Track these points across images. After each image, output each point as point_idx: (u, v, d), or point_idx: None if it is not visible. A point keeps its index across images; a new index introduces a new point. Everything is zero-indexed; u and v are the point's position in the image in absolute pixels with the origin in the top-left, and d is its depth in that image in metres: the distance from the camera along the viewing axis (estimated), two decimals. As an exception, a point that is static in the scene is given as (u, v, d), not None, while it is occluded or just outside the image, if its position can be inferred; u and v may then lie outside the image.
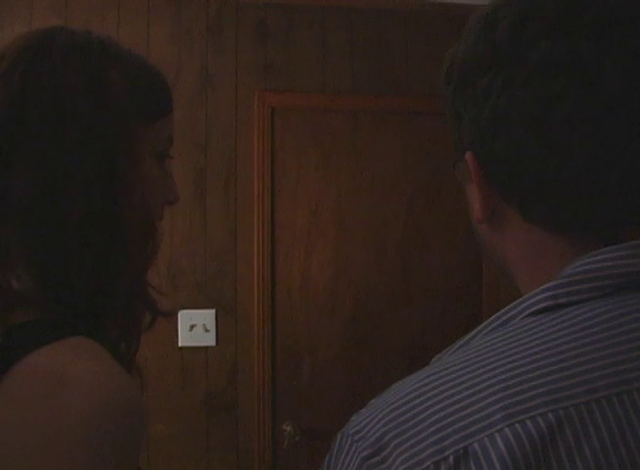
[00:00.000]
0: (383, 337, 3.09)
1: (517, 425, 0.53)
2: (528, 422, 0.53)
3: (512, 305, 0.65)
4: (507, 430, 0.53)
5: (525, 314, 0.63)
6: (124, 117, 0.86)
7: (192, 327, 2.92)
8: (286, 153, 3.01)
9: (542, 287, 0.63)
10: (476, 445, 0.54)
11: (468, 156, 0.69)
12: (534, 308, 0.63)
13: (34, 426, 0.70)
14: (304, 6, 3.03)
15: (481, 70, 0.66)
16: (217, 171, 2.96)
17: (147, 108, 0.90)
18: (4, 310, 0.79)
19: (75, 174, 0.82)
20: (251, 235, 2.97)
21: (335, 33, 3.06)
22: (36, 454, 0.70)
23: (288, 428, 2.97)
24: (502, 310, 0.65)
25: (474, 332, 0.67)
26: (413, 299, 3.12)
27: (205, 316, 2.93)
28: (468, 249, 3.12)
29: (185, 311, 2.91)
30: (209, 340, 2.94)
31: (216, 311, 2.95)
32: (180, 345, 2.91)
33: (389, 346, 3.09)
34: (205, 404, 2.94)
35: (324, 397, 3.03)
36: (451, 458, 0.54)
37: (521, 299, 0.65)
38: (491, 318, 0.66)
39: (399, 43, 3.11)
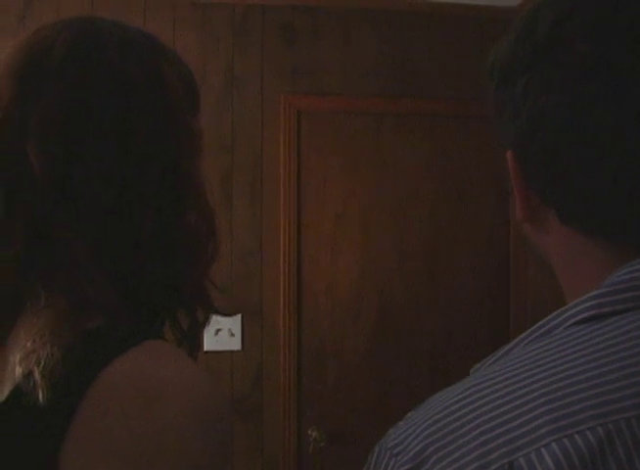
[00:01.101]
0: (408, 341, 3.06)
1: (564, 440, 0.51)
2: (577, 436, 0.51)
3: (554, 314, 0.63)
4: (554, 444, 0.51)
5: (568, 324, 0.61)
6: (183, 111, 0.84)
7: (217, 331, 2.91)
8: (312, 155, 3.00)
9: (586, 295, 0.61)
10: (521, 459, 0.51)
11: (508, 155, 0.68)
12: (579, 318, 0.61)
13: (131, 440, 0.68)
14: (330, 8, 3.01)
15: (521, 69, 0.66)
16: (243, 174, 2.95)
17: (193, 102, 0.88)
18: (78, 317, 0.76)
19: (147, 176, 0.79)
20: (276, 238, 2.96)
21: (360, 36, 3.04)
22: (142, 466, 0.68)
23: (313, 433, 2.95)
24: (544, 320, 0.63)
25: (514, 342, 0.64)
26: (438, 303, 3.09)
27: (231, 320, 2.92)
28: (494, 252, 3.09)
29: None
30: (235, 344, 2.93)
31: (242, 315, 2.94)
32: (206, 349, 2.91)
33: (415, 350, 3.06)
34: (230, 409, 2.92)
35: (350, 401, 3.02)
36: None
37: (564, 308, 0.63)
38: (533, 328, 0.64)
39: (425, 45, 3.09)
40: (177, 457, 0.69)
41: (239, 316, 2.93)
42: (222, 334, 2.91)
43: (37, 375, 0.70)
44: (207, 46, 2.94)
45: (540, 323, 0.63)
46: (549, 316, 0.63)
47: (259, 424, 2.95)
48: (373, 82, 3.06)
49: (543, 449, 0.51)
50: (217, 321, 2.90)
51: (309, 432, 2.96)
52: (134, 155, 0.78)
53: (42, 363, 0.70)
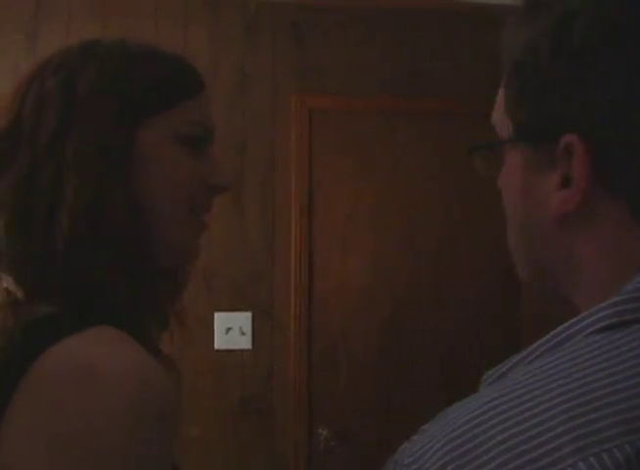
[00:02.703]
0: (419, 341, 3.05)
1: (591, 458, 0.49)
2: (604, 455, 0.49)
3: (572, 321, 0.60)
4: (581, 464, 0.49)
5: (586, 333, 0.59)
6: (96, 113, 0.85)
7: (228, 330, 2.91)
8: (323, 155, 2.99)
9: (606, 303, 0.58)
10: None
11: (574, 139, 0.62)
12: (597, 326, 0.58)
13: (63, 422, 0.69)
14: (341, 7, 3.00)
15: (603, 48, 0.61)
16: (254, 173, 2.94)
17: (152, 96, 0.88)
18: (20, 306, 0.79)
19: (73, 170, 0.82)
20: (287, 238, 2.95)
21: (371, 35, 3.03)
22: (66, 453, 0.69)
23: (323, 432, 2.95)
24: (559, 328, 0.61)
25: (529, 350, 0.62)
26: (450, 303, 3.07)
27: (242, 319, 2.92)
28: (506, 253, 3.06)
29: (221, 314, 2.90)
30: (245, 343, 2.92)
31: (252, 314, 2.93)
32: (216, 347, 2.90)
33: (427, 350, 3.05)
34: (240, 408, 2.92)
35: (360, 401, 3.00)
36: None
37: (582, 315, 0.60)
38: (549, 336, 0.61)
39: (435, 44, 3.07)
40: (107, 440, 0.69)
41: (249, 315, 2.93)
42: (233, 333, 2.91)
43: None
44: (219, 45, 2.94)
45: (557, 331, 0.61)
46: (564, 325, 0.60)
47: (270, 423, 2.95)
48: (385, 82, 3.04)
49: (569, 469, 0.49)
50: (228, 320, 2.90)
51: (320, 431, 2.95)
52: (47, 158, 0.83)
53: None
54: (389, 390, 3.02)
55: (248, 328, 2.92)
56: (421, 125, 3.06)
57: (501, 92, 0.71)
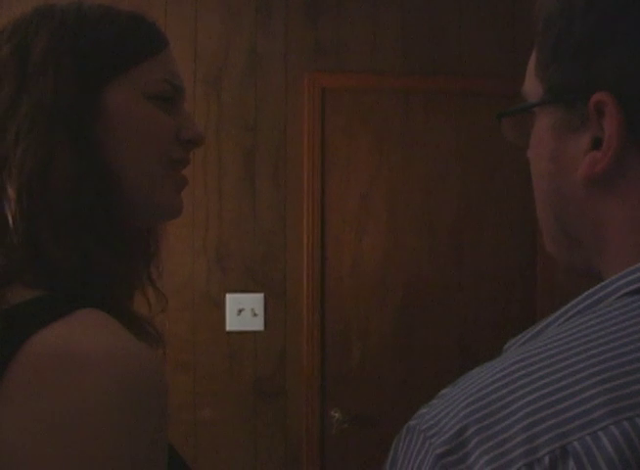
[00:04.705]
0: (434, 322, 3.03)
1: (625, 422, 0.47)
2: (638, 420, 0.47)
3: (604, 283, 0.58)
4: (613, 428, 0.47)
5: (619, 294, 0.57)
6: (60, 72, 0.84)
7: (240, 311, 2.90)
8: (336, 135, 2.96)
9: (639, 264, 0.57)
10: (576, 443, 0.47)
11: (605, 97, 0.59)
12: (631, 288, 0.56)
13: (52, 411, 0.68)
14: (355, -16, 2.96)
15: None
16: (267, 154, 2.92)
17: (112, 54, 0.87)
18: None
19: (44, 142, 0.81)
20: (300, 218, 2.93)
21: (386, 12, 2.99)
22: (58, 442, 0.67)
23: (336, 414, 2.94)
24: (591, 290, 0.59)
25: (557, 314, 0.60)
26: (465, 284, 3.05)
27: (254, 300, 2.90)
28: (522, 233, 3.04)
29: (233, 295, 2.88)
30: (258, 324, 2.91)
31: (265, 296, 2.92)
32: (228, 329, 2.89)
33: (441, 331, 3.03)
34: (253, 390, 2.92)
35: (374, 383, 2.99)
36: (546, 459, 0.48)
37: (615, 276, 0.58)
38: (580, 298, 0.59)
39: (453, 22, 3.03)
40: (98, 429, 0.68)
41: (262, 296, 2.91)
42: (245, 314, 2.90)
43: None
44: (230, 25, 2.90)
45: (588, 293, 0.59)
46: (596, 286, 0.58)
47: (282, 405, 2.94)
48: (400, 59, 3.00)
49: (601, 433, 0.47)
50: (240, 301, 2.89)
51: (332, 413, 2.95)
52: (24, 129, 0.81)
53: None
54: (403, 372, 3.01)
55: (260, 309, 2.91)
56: (435, 104, 3.02)
57: (532, 57, 0.68)
